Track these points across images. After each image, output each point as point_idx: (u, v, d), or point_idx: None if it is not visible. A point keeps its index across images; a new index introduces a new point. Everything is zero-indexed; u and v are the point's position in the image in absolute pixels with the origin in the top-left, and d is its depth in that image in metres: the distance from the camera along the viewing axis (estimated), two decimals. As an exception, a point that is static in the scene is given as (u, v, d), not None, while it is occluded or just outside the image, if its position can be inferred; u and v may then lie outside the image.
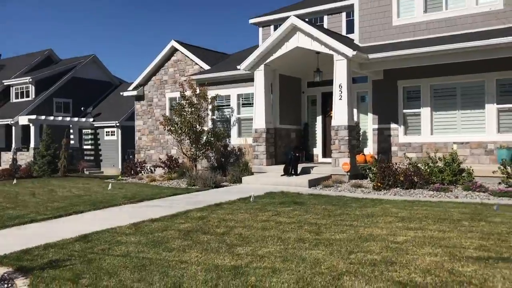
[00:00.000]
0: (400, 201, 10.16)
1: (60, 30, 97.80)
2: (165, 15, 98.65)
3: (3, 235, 7.86)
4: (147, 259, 5.83)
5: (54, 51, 37.85)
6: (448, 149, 14.93)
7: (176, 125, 16.39)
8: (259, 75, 15.71)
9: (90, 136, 33.88)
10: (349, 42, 15.68)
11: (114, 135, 32.24)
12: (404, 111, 15.91)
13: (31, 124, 29.94)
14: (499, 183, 12.09)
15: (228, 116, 18.22)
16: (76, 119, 32.28)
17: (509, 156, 13.47)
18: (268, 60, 15.64)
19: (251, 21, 21.12)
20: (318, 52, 14.96)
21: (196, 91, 16.89)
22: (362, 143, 16.78)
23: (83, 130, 33.83)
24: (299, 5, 20.91)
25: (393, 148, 16.01)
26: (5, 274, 5.49)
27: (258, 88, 15.79)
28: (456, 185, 12.45)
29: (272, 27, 20.81)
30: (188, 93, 17.17)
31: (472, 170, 12.86)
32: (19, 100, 33.84)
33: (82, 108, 34.62)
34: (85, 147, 33.99)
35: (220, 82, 18.12)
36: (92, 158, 33.47)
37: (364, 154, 16.13)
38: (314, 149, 17.96)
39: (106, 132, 32.87)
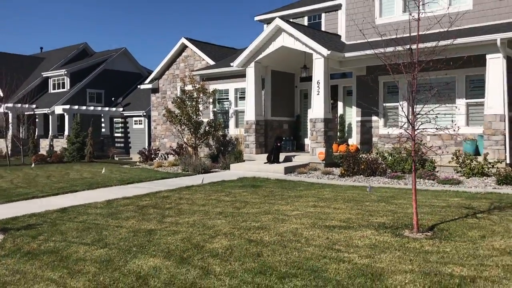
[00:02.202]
0: (346, 186, 11.57)
1: (96, 25, 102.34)
2: (189, 9, 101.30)
3: (7, 207, 9.90)
4: (95, 224, 7.66)
5: (89, 45, 40.54)
6: (423, 140, 16.04)
7: (176, 117, 18.25)
8: (250, 71, 17.29)
9: (120, 125, 36.37)
10: (332, 41, 16.98)
11: (141, 124, 34.54)
12: (384, 104, 17.10)
13: (65, 113, 32.71)
14: (457, 172, 13.26)
15: (227, 108, 19.93)
16: (107, 108, 34.82)
17: (473, 148, 14.52)
18: (258, 58, 17.17)
19: (256, 18, 22.63)
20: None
21: (196, 86, 18.66)
22: (348, 134, 18.10)
23: (114, 119, 36.33)
24: (299, 4, 22.23)
25: (374, 139, 17.25)
26: (-11, 232, 7.46)
27: (249, 83, 17.38)
28: (417, 173, 13.65)
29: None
30: (189, 87, 18.96)
31: (434, 160, 14.02)
32: (56, 90, 36.71)
33: (113, 98, 37.14)
34: (116, 134, 36.51)
35: (220, 77, 19.82)
36: (122, 145, 35.96)
37: (347, 144, 17.47)
38: (305, 139, 19.40)
39: (135, 121, 35.21)
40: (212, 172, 15.86)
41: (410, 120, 6.55)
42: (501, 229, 6.29)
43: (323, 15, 20.63)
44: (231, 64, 17.72)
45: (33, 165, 21.37)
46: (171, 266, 5.19)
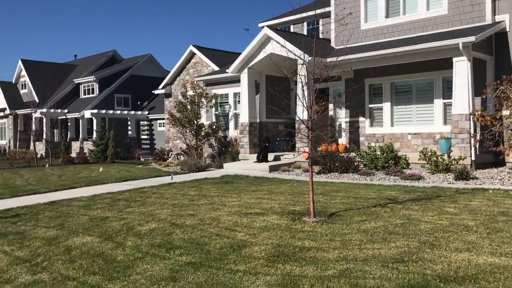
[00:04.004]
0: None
1: (124, 32, 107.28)
2: (205, 16, 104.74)
3: (10, 200, 11.62)
4: (67, 213, 9.19)
5: (118, 52, 42.95)
6: (405, 139, 16.98)
7: (177, 120, 19.80)
8: (244, 77, 18.61)
9: (146, 127, 38.45)
10: (319, 46, 18.04)
11: (164, 126, 36.46)
12: (370, 105, 18.03)
13: (93, 117, 35.02)
14: (425, 168, 14.11)
15: (227, 111, 21.33)
16: (133, 112, 36.96)
17: (448, 145, 15.28)
18: (250, 64, 18.46)
19: (260, 24, 23.95)
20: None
21: (196, 91, 20.15)
22: (338, 134, 19.12)
23: (140, 122, 38.45)
24: (299, 10, 23.34)
25: (361, 139, 18.21)
26: (-19, 219, 9.14)
27: (243, 88, 18.71)
28: (387, 170, 14.57)
29: (278, 29, 23.49)
30: (190, 92, 20.47)
31: (408, 157, 14.91)
32: (86, 96, 39.21)
33: (138, 103, 39.26)
34: (142, 137, 38.64)
35: (220, 82, 21.23)
36: (148, 146, 38.01)
37: (337, 144, 18.48)
38: (300, 139, 20.49)
39: (159, 123, 37.14)
40: (206, 171, 17.28)
41: (306, 123, 7.59)
42: (388, 215, 7.36)
43: (320, 21, 21.70)
44: (227, 70, 19.09)
45: (47, 165, 23.43)
46: (97, 242, 6.61)
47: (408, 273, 4.57)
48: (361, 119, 18.25)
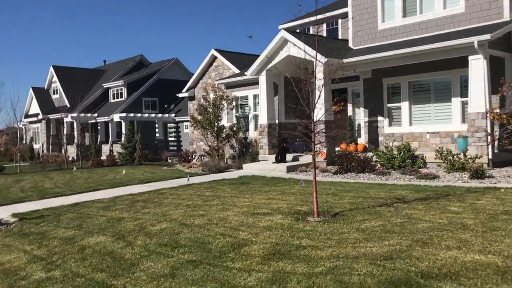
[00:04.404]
0: (325, 182, 12.90)
1: (152, 37, 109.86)
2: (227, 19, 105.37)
3: (37, 202, 12.24)
4: (87, 215, 9.68)
5: (145, 56, 43.91)
6: (423, 138, 16.95)
7: (199, 123, 20.26)
8: (262, 79, 18.92)
9: (173, 130, 39.19)
10: (337, 47, 18.19)
11: (189, 128, 37.12)
12: (388, 105, 18.06)
13: (122, 121, 35.95)
14: (441, 167, 14.11)
15: (247, 113, 21.66)
16: (160, 115, 37.77)
17: (465, 144, 15.20)
18: (268, 67, 18.75)
19: (280, 26, 24.21)
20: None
21: (216, 94, 20.56)
22: (357, 134, 19.20)
23: (168, 124, 39.22)
24: (319, 11, 23.42)
25: (380, 138, 18.25)
26: (8, 219, 9.73)
27: (261, 90, 19.01)
28: (403, 169, 14.61)
29: (297, 31, 23.71)
30: (211, 95, 20.90)
31: (425, 157, 14.93)
32: (115, 100, 40.25)
33: (165, 105, 40.05)
34: (169, 139, 39.40)
35: (240, 85, 21.59)
36: (175, 148, 38.73)
37: (356, 144, 18.58)
38: (320, 139, 20.65)
39: (185, 125, 37.79)
40: (226, 171, 17.65)
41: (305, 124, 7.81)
42: (390, 215, 7.53)
43: (339, 21, 21.85)
44: (245, 73, 19.42)
45: (74, 168, 24.30)
46: (109, 241, 7.02)
47: (393, 270, 4.78)
48: (379, 118, 18.29)
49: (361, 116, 19.08)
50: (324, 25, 22.82)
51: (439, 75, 16.59)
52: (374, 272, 4.75)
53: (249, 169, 17.51)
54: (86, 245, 6.93)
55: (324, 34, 22.54)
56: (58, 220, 9.29)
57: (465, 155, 13.53)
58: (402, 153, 14.99)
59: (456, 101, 16.09)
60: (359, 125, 19.24)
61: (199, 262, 5.58)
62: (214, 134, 20.40)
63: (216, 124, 20.37)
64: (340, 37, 21.71)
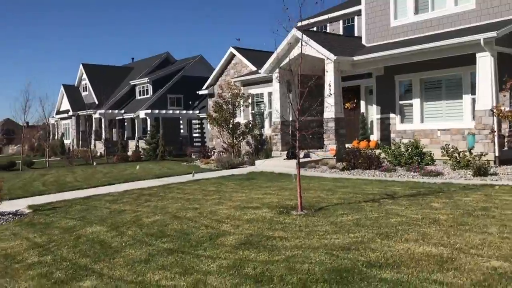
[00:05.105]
0: (330, 178, 13.21)
1: (177, 35, 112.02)
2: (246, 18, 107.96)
3: (54, 195, 13.00)
4: (94, 207, 10.32)
5: (171, 54, 44.87)
6: (434, 135, 17.00)
7: (214, 120, 20.82)
8: (275, 77, 19.27)
9: (197, 126, 39.95)
10: (349, 45, 18.39)
11: (208, 125, 37.80)
12: (400, 102, 18.15)
13: (147, 117, 36.93)
14: (447, 164, 14.20)
15: (262, 110, 22.08)
16: (184, 111, 38.61)
17: (475, 141, 15.21)
18: (281, 64, 19.06)
19: (298, 24, 24.46)
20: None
21: (232, 91, 21.06)
22: (370, 131, 19.36)
23: (192, 121, 40.02)
24: (334, 9, 23.68)
25: (392, 135, 18.37)
26: (24, 210, 10.48)
27: (274, 88, 19.38)
28: (409, 166, 14.74)
29: (314, 28, 23.95)
30: (227, 93, 21.41)
31: (433, 154, 15.02)
32: (141, 97, 41.33)
33: (190, 102, 40.85)
34: (194, 135, 40.19)
35: (255, 82, 22.01)
36: (199, 144, 39.49)
37: (368, 140, 18.76)
38: (333, 136, 20.87)
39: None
40: (238, 167, 18.13)
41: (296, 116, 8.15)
42: (369, 210, 7.83)
43: (355, 18, 21.96)
44: (259, 71, 19.82)
45: (94, 163, 25.26)
46: (104, 231, 7.60)
47: (343, 259, 5.13)
48: (391, 115, 18.40)
49: (373, 113, 19.22)
50: (341, 22, 22.97)
51: (450, 72, 16.59)
52: (326, 261, 5.11)
53: (261, 165, 17.94)
54: (82, 234, 7.51)
55: (341, 31, 22.70)
56: (66, 211, 9.96)
57: (470, 153, 13.59)
58: (409, 150, 15.11)
59: (467, 98, 16.08)
60: (371, 122, 19.38)
61: (175, 250, 6.06)
62: (229, 131, 20.92)
63: (231, 121, 20.87)
64: (356, 34, 21.82)
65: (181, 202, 9.92)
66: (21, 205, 11.31)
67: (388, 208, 7.92)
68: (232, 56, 25.51)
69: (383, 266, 4.85)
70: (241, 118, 22.12)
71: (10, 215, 10.05)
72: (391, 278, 4.49)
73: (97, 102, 40.63)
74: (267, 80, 21.33)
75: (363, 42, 19.21)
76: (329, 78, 17.28)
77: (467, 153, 13.67)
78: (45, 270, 5.66)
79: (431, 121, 17.21)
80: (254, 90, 22.47)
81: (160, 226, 7.59)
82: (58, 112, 46.67)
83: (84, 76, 43.86)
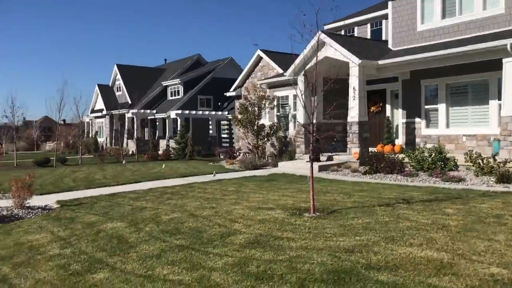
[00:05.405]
0: (350, 182, 13.29)
1: (209, 37, 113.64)
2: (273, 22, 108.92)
3: (82, 191, 13.55)
4: (117, 204, 10.74)
5: (202, 56, 45.51)
6: (459, 141, 16.82)
7: (240, 121, 21.12)
8: (300, 80, 19.44)
9: (226, 127, 40.42)
10: (375, 48, 18.36)
11: (235, 126, 38.19)
12: (426, 107, 18.01)
13: (178, 117, 37.60)
14: (470, 170, 14.06)
15: (287, 112, 22.23)
16: (214, 112, 39.12)
17: (500, 147, 14.99)
18: (306, 68, 19.17)
19: (326, 26, 24.58)
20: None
21: (257, 93, 21.31)
22: (395, 135, 19.27)
23: (221, 122, 40.51)
24: (363, 12, 23.63)
25: (417, 140, 18.24)
26: (53, 205, 11.00)
27: (299, 90, 19.44)
28: (432, 171, 14.65)
29: (342, 31, 24.01)
30: (252, 95, 21.68)
31: (457, 159, 14.89)
32: (173, 97, 42.10)
33: (219, 103, 41.36)
34: (222, 136, 40.68)
35: (281, 85, 22.19)
36: (227, 144, 39.95)
37: (393, 145, 18.69)
38: (359, 139, 20.84)
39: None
40: (261, 169, 18.37)
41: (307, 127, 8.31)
42: (381, 214, 7.92)
43: (383, 22, 21.88)
44: (284, 74, 20.00)
45: (123, 161, 25.94)
46: (123, 227, 7.95)
47: (344, 261, 5.28)
48: (417, 120, 18.27)
49: (399, 117, 19.13)
50: (368, 26, 22.92)
51: (477, 77, 16.38)
52: (327, 262, 5.28)
53: (284, 167, 18.12)
54: (102, 229, 7.89)
55: (368, 34, 22.65)
56: (91, 207, 10.41)
57: (494, 159, 13.41)
58: (433, 155, 15.01)
59: (494, 104, 15.85)
60: (397, 126, 19.29)
61: (186, 247, 6.33)
62: (254, 132, 21.19)
63: (256, 123, 21.12)
64: (383, 38, 21.73)
65: (200, 201, 10.22)
66: (50, 200, 11.85)
67: (400, 212, 7.99)
68: (260, 59, 25.78)
69: (382, 268, 4.98)
70: (266, 120, 22.37)
71: (39, 210, 10.58)
72: (387, 280, 4.63)
73: (130, 102, 41.61)
74: (292, 83, 21.45)
75: (390, 46, 19.14)
76: (353, 81, 17.32)
77: (491, 160, 13.49)
78: (63, 262, 6.02)
79: (457, 127, 17.01)
80: (279, 93, 22.66)
81: (176, 224, 7.89)
82: (93, 111, 47.98)
83: (118, 76, 44.95)
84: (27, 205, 10.72)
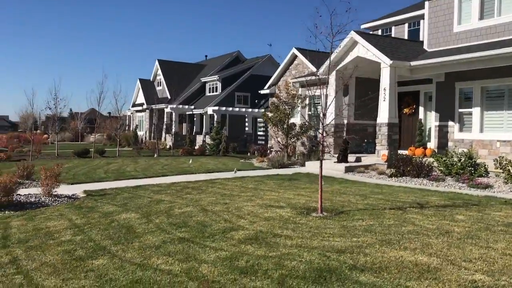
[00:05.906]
0: (372, 184, 13.21)
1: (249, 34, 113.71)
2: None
3: (110, 182, 14.08)
4: (138, 195, 11.13)
5: (241, 52, 45.88)
6: (493, 146, 16.35)
7: (270, 120, 21.25)
8: (331, 79, 19.35)
9: (262, 124, 40.64)
10: (408, 49, 18.07)
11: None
12: (460, 110, 17.57)
13: (215, 114, 38.15)
14: (503, 178, 13.68)
15: (319, 112, 22.13)
16: (250, 110, 39.44)
17: (535, 155, 14.49)
18: (338, 67, 19.15)
19: (363, 26, 24.40)
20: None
21: (289, 92, 21.36)
22: (428, 138, 18.90)
23: (257, 119, 40.79)
24: (400, 12, 23.24)
25: (449, 143, 17.83)
26: (79, 194, 11.53)
27: (330, 90, 19.40)
28: (458, 177, 14.33)
29: (380, 31, 23.72)
30: (284, 93, 21.75)
31: (487, 165, 14.51)
32: (211, 94, 42.70)
33: (256, 101, 41.62)
34: (258, 133, 40.95)
35: (313, 84, 22.01)
36: (263, 142, 40.17)
37: (425, 148, 18.35)
38: (390, 141, 20.55)
39: (273, 121, 38.99)
40: (288, 167, 18.45)
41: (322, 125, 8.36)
42: (389, 217, 7.90)
43: (421, 22, 21.45)
44: (317, 73, 19.94)
45: (155, 155, 26.53)
46: (135, 218, 8.29)
47: (332, 260, 5.36)
48: (450, 123, 17.86)
49: (431, 120, 18.74)
50: (406, 25, 22.52)
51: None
52: (314, 260, 5.37)
53: (310, 167, 18.13)
54: (116, 219, 8.25)
55: (405, 34, 22.26)
56: (113, 198, 10.84)
57: (524, 166, 12.99)
58: (462, 160, 14.68)
59: (530, 109, 15.29)
60: (429, 129, 18.91)
61: (187, 239, 6.57)
62: (284, 131, 21.27)
63: (286, 121, 21.20)
64: (421, 38, 21.30)
65: (216, 197, 10.46)
66: (79, 189, 12.42)
67: (408, 216, 7.94)
68: (294, 57, 25.80)
69: (365, 270, 5.03)
70: (297, 119, 22.41)
71: (66, 198, 11.11)
72: (366, 281, 4.68)
73: (169, 97, 42.50)
74: (324, 82, 21.37)
75: (425, 47, 18.77)
76: (384, 82, 17.12)
77: (522, 167, 13.07)
78: (70, 248, 6.38)
79: (491, 131, 16.51)
80: (311, 91, 22.58)
81: (186, 217, 8.15)
82: (134, 105, 49.29)
83: (159, 71, 45.98)
84: (55, 193, 11.28)
